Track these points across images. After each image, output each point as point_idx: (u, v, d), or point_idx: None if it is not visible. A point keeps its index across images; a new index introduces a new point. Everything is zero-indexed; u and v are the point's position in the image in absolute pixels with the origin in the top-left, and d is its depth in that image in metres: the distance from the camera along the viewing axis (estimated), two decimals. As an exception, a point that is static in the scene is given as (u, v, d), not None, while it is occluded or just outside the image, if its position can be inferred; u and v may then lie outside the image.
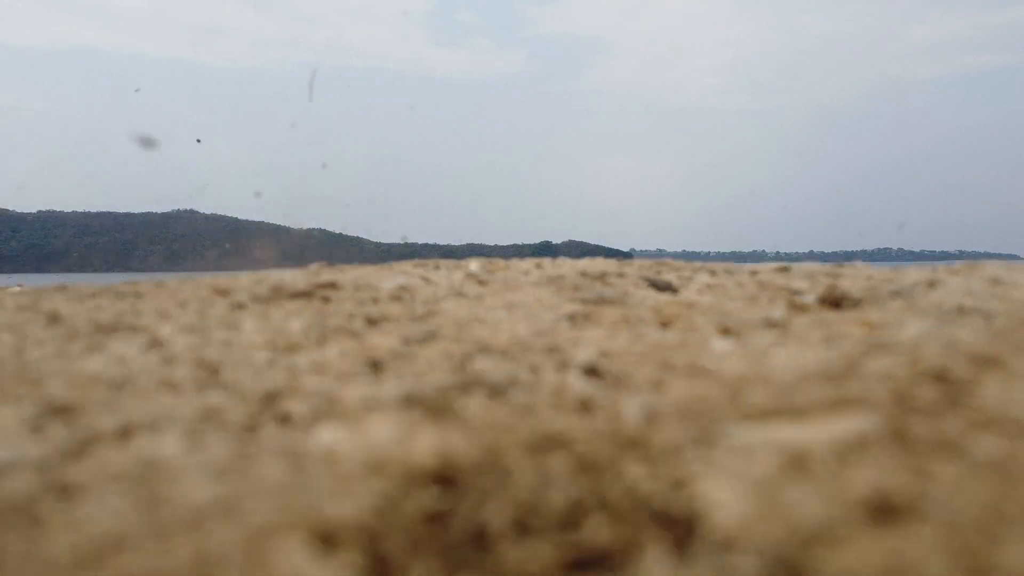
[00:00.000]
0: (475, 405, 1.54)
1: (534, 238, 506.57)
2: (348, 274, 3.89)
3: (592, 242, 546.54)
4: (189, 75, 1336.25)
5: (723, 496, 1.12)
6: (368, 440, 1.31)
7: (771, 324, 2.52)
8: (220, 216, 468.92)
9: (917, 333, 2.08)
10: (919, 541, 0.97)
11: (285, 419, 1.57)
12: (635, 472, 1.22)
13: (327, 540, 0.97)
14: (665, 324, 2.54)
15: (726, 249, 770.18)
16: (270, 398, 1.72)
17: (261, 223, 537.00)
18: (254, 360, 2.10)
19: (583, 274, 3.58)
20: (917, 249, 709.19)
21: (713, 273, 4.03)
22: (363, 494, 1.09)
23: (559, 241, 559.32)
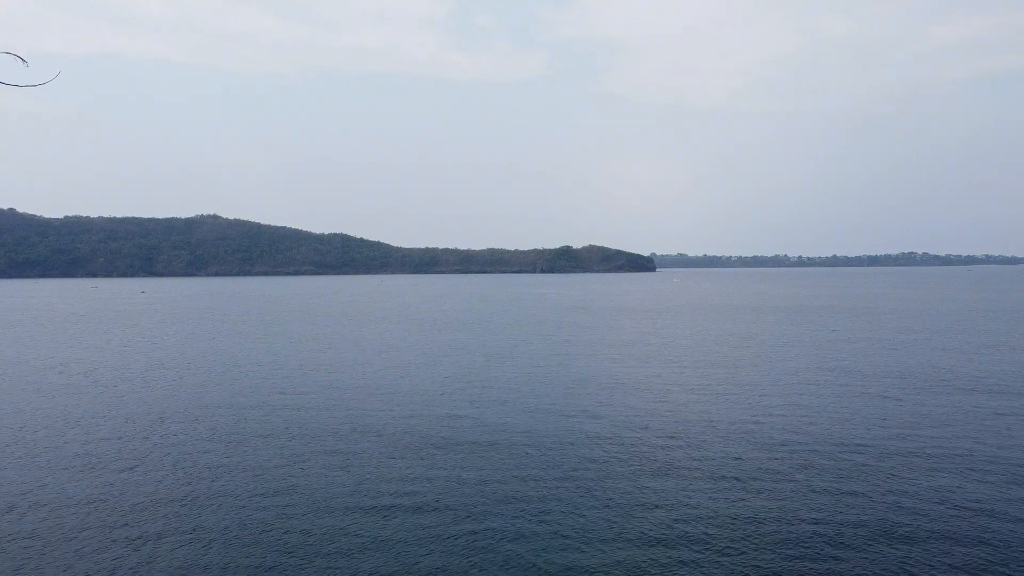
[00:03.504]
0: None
1: (554, 242, 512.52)
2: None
3: (613, 247, 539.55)
4: (212, 80, 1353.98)
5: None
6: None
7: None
8: (242, 221, 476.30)
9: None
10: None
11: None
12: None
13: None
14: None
15: (747, 254, 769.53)
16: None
17: (283, 228, 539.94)
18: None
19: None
20: (943, 254, 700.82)
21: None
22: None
23: (579, 246, 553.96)
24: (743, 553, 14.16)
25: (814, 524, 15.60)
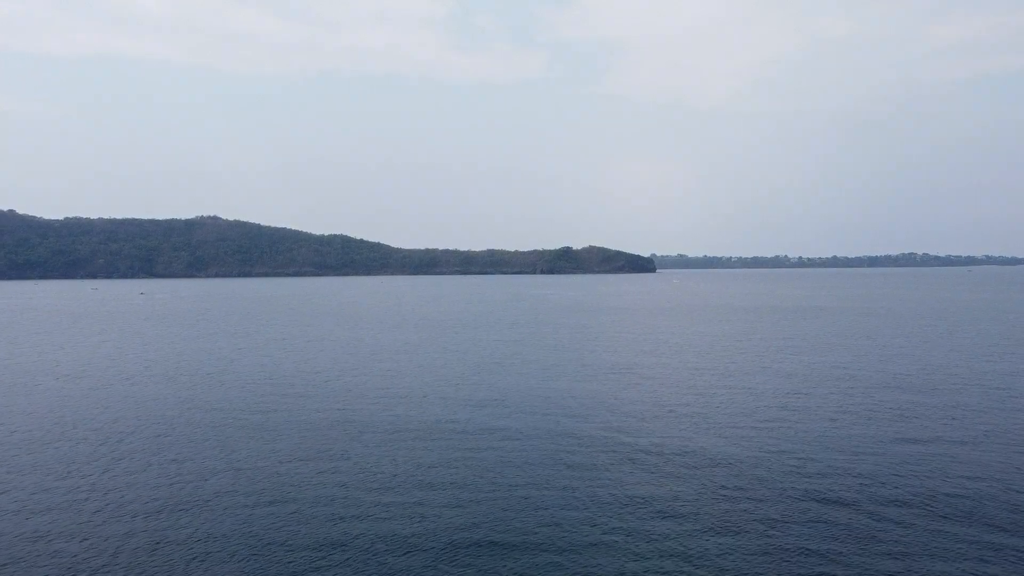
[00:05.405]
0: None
1: (554, 243, 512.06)
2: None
3: (613, 248, 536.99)
4: (212, 81, 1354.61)
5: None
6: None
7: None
8: (243, 222, 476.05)
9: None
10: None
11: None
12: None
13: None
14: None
15: (748, 254, 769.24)
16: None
17: (283, 229, 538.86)
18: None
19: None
20: (943, 254, 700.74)
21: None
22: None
23: (579, 247, 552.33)
24: (729, 570, 14.03)
25: (799, 536, 15.46)
